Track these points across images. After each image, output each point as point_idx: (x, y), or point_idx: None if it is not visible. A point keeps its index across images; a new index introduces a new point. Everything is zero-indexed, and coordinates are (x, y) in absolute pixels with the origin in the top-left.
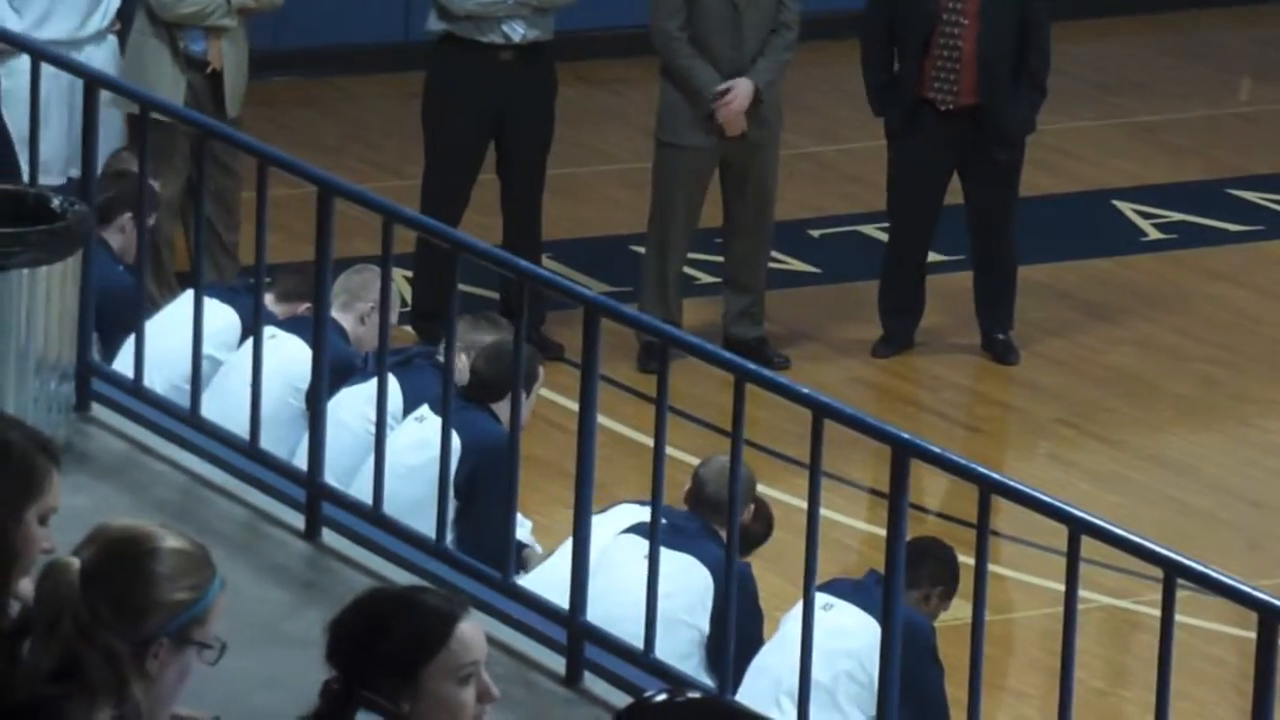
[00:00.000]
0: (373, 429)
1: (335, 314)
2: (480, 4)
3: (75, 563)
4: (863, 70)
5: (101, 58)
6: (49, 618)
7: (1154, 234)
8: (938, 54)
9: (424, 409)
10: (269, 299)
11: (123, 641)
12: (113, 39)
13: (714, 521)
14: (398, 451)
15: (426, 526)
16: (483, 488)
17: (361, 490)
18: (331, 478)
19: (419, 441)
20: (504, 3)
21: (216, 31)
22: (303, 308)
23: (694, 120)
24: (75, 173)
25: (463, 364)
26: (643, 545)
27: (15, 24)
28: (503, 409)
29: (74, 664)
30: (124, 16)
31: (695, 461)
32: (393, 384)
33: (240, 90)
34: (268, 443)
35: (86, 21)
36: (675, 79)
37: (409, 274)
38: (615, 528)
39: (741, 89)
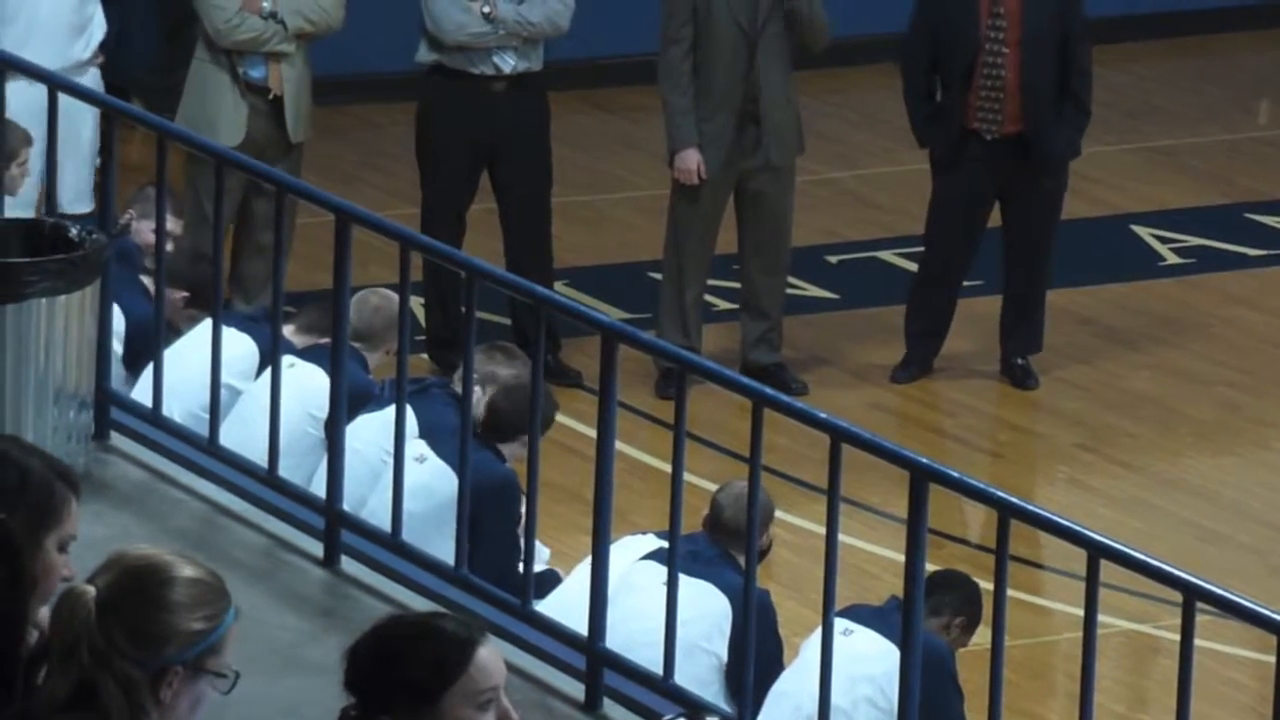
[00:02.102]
0: (386, 458)
1: (355, 344)
2: (471, 35)
3: (91, 590)
4: (906, 103)
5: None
6: (65, 645)
7: (1173, 259)
8: (981, 83)
9: (423, 447)
10: (289, 330)
11: (138, 669)
12: (95, 72)
13: (731, 547)
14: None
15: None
16: (486, 528)
17: (372, 517)
18: (346, 505)
19: (421, 488)
20: (494, 33)
21: (276, 57)
22: (324, 340)
23: (708, 147)
24: (81, 208)
25: (478, 396)
26: (661, 571)
27: None
28: (509, 448)
29: (89, 691)
30: (104, 49)
31: (714, 487)
32: (408, 413)
33: (304, 116)
34: (286, 470)
35: (66, 51)
36: (662, 103)
37: (421, 300)
38: (624, 559)
39: (689, 159)
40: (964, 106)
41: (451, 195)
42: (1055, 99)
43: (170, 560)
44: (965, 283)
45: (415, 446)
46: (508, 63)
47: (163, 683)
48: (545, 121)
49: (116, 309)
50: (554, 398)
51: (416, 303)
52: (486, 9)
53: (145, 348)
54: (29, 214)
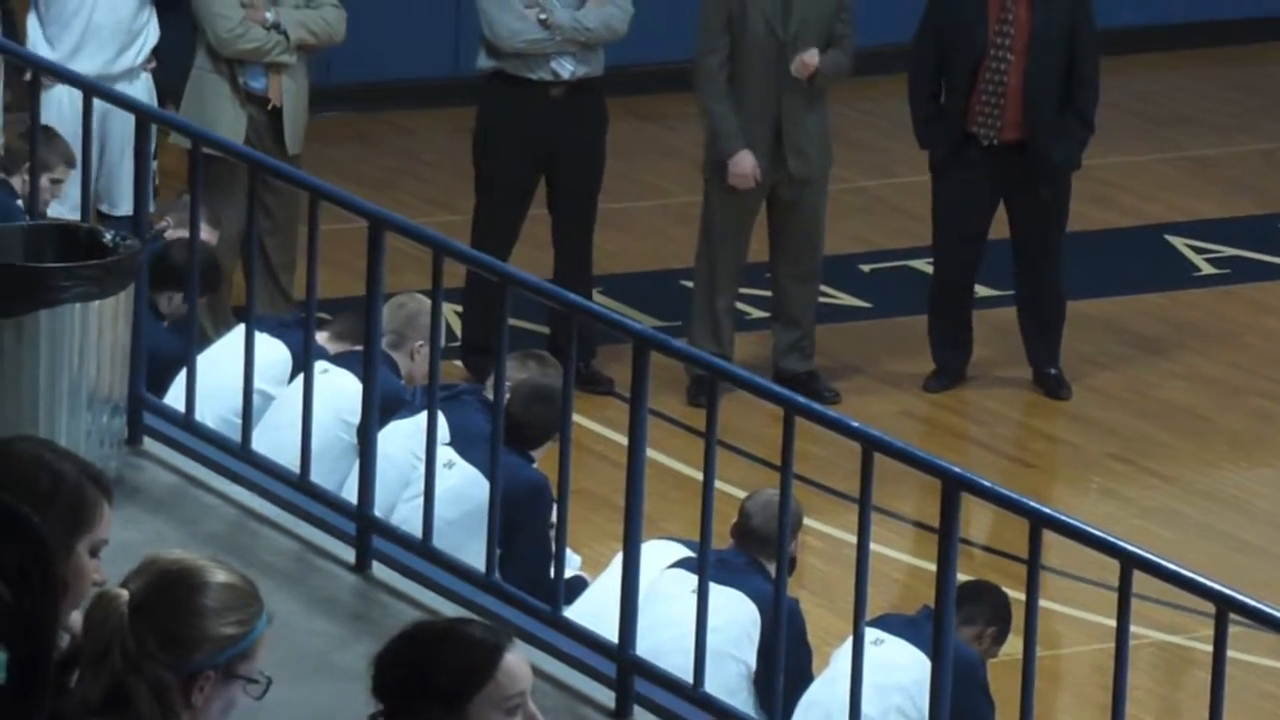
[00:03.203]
0: (416, 464)
1: (386, 350)
2: (528, 41)
3: (124, 594)
4: (910, 103)
5: (135, 95)
6: (97, 648)
7: (1207, 268)
8: (983, 88)
9: (450, 453)
10: (323, 337)
11: (170, 673)
12: (147, 76)
13: (760, 555)
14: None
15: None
16: (520, 533)
17: (402, 524)
18: (377, 511)
19: (451, 493)
20: (551, 40)
21: (277, 68)
22: (357, 346)
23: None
24: (103, 208)
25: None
26: (689, 579)
27: (47, 55)
28: (538, 451)
29: (121, 695)
30: (159, 54)
31: (744, 495)
32: (439, 419)
33: (301, 127)
34: (318, 476)
35: (120, 57)
36: (703, 115)
37: (458, 308)
38: (649, 564)
39: (744, 163)
40: (965, 110)
41: (507, 202)
42: (1057, 109)
43: (203, 565)
44: (997, 292)
45: (443, 453)
46: (565, 68)
47: (194, 687)
48: (603, 128)
49: None
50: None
51: (452, 309)
52: (543, 16)
53: (157, 376)
54: (76, 216)
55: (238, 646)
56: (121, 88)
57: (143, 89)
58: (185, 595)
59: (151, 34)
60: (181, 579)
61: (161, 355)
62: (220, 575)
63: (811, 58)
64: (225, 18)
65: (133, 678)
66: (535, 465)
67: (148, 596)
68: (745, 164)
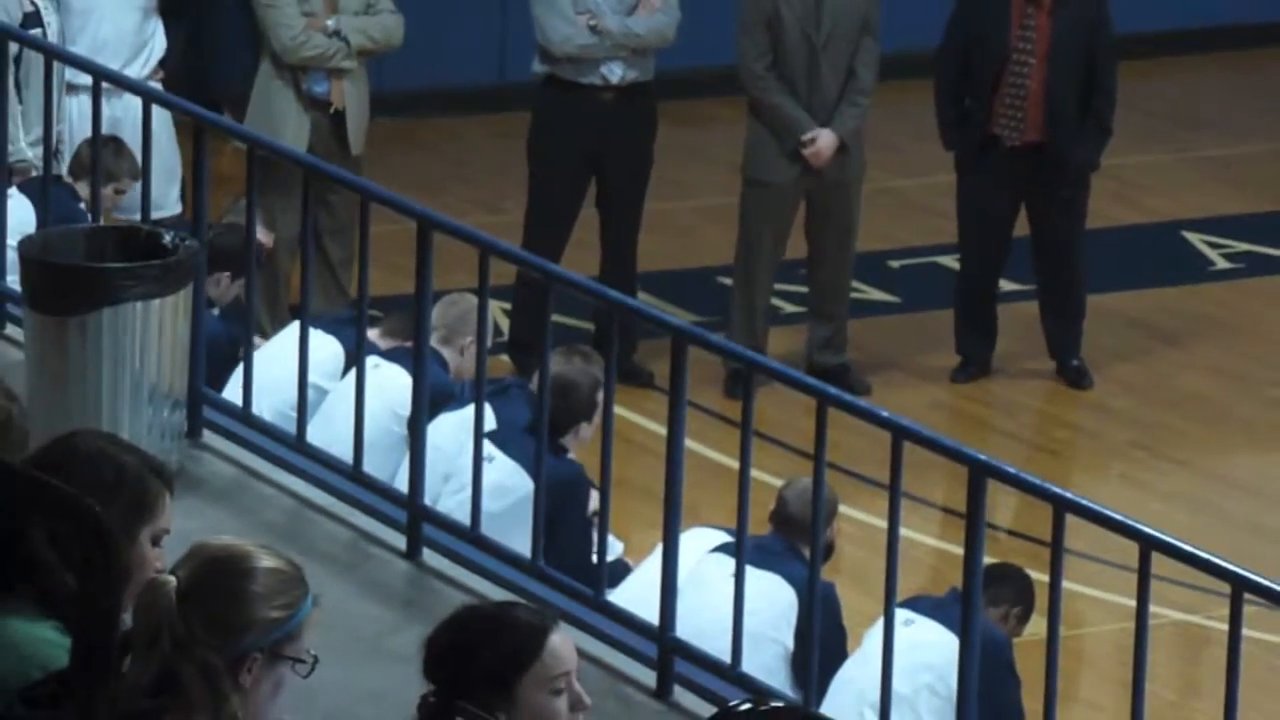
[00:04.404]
0: (460, 455)
1: (436, 346)
2: (579, 46)
3: (172, 580)
4: (935, 105)
5: (140, 106)
6: (147, 633)
7: (1222, 263)
8: (1006, 91)
9: (490, 448)
10: (375, 334)
11: (218, 656)
12: (155, 87)
13: (797, 541)
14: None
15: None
16: (560, 525)
17: (446, 511)
18: (426, 500)
19: (493, 487)
20: (602, 45)
21: (338, 73)
22: (407, 342)
23: (780, 157)
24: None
25: None
26: (730, 564)
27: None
28: (569, 439)
29: (172, 678)
30: (165, 65)
31: (780, 484)
32: (487, 411)
33: (362, 129)
34: (370, 467)
35: (126, 67)
36: (765, 116)
37: (506, 305)
38: (690, 549)
39: (824, 140)
40: (988, 113)
41: (558, 203)
42: (1077, 113)
43: (250, 551)
44: (1020, 286)
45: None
46: (615, 73)
47: (242, 669)
48: (651, 132)
49: None
50: (598, 387)
51: (500, 307)
52: (592, 21)
53: (210, 364)
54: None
55: (283, 628)
56: (128, 99)
57: None
58: (231, 581)
59: (158, 45)
60: (228, 565)
61: (213, 342)
62: (265, 560)
63: (821, 151)
64: (288, 26)
65: (182, 661)
66: (571, 455)
67: (195, 582)
68: (827, 139)
